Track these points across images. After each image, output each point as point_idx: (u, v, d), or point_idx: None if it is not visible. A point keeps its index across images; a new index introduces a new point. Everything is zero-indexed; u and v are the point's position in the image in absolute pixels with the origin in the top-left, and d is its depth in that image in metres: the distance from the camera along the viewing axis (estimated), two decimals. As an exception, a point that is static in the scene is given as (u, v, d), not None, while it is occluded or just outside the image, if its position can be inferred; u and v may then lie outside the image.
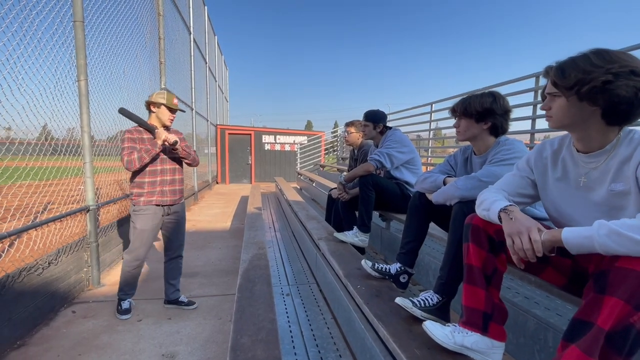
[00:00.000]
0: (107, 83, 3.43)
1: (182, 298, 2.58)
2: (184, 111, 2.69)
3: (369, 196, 2.54)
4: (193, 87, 7.82)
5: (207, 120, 10.16)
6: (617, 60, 0.90)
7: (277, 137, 13.33)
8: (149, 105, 2.34)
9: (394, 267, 1.79)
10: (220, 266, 3.54)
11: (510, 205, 1.07)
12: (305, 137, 13.06)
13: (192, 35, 7.86)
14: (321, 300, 2.37)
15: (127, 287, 2.42)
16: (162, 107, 2.31)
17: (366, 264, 1.86)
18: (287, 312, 2.21)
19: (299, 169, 10.34)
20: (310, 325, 2.07)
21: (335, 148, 12.95)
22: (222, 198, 8.82)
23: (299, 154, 10.90)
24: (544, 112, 1.09)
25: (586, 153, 1.03)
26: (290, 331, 2.01)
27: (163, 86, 5.31)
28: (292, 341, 1.89)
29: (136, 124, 2.31)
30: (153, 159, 2.30)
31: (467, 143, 1.71)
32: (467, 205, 1.40)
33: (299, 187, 9.01)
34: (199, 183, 8.32)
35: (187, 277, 3.14)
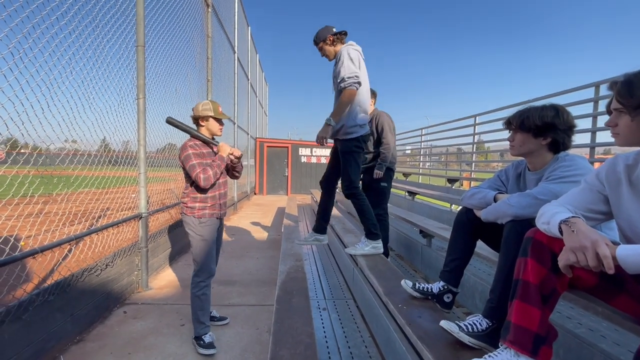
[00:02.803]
0: (161, 100, 3.73)
1: (214, 313, 2.54)
2: (229, 118, 2.63)
3: (363, 203, 2.54)
4: (236, 102, 8.24)
5: (248, 134, 10.60)
6: None
7: (314, 149, 13.52)
8: (196, 119, 2.27)
9: (436, 285, 1.71)
10: (258, 276, 3.61)
11: (573, 216, 0.98)
12: (341, 150, 13.09)
13: (236, 55, 8.34)
14: (358, 317, 2.32)
15: (205, 315, 2.22)
16: (211, 119, 2.24)
17: (406, 284, 1.79)
18: (323, 327, 2.19)
19: (334, 181, 10.35)
20: (347, 342, 2.02)
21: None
22: (259, 209, 9.06)
23: (334, 167, 10.94)
24: (604, 124, 1.01)
25: None
26: (327, 347, 1.98)
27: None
28: (329, 358, 1.86)
29: (189, 136, 2.24)
30: None
31: (520, 158, 1.61)
32: (521, 224, 1.31)
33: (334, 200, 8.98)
34: (238, 194, 8.64)
35: (226, 285, 3.24)
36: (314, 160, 13.56)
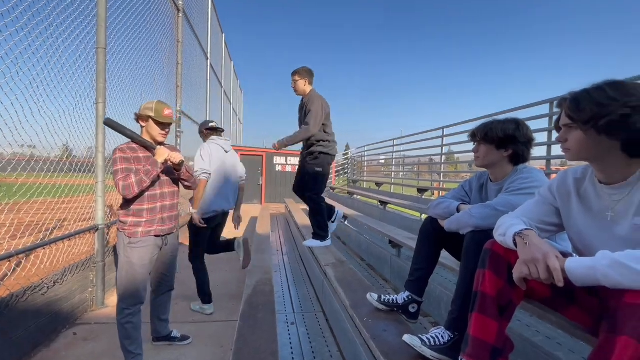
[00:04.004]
0: (124, 105, 3.55)
1: (175, 333, 2.31)
2: (174, 121, 2.19)
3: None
4: (208, 110, 8.06)
5: (221, 142, 10.36)
6: (634, 93, 0.87)
7: (289, 158, 13.47)
8: (138, 118, 2.00)
9: (402, 296, 1.70)
10: (226, 290, 3.46)
11: (527, 229, 1.01)
12: (316, 159, 13.13)
13: (209, 61, 8.19)
14: (327, 331, 2.27)
15: (134, 344, 1.94)
16: (150, 120, 1.96)
17: (371, 297, 1.77)
18: (291, 343, 2.11)
19: (309, 190, 10.33)
20: (314, 358, 1.96)
21: (347, 170, 12.94)
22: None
23: (309, 176, 10.94)
24: (555, 139, 1.04)
25: (609, 185, 0.97)
26: (293, 364, 1.90)
27: (178, 108, 5.47)
28: (295, 376, 1.79)
29: (129, 140, 1.98)
30: (153, 182, 1.94)
31: (484, 169, 1.66)
32: (481, 235, 1.33)
33: (308, 209, 8.95)
34: (209, 203, 8.37)
35: (191, 300, 3.07)
36: (288, 169, 13.48)
